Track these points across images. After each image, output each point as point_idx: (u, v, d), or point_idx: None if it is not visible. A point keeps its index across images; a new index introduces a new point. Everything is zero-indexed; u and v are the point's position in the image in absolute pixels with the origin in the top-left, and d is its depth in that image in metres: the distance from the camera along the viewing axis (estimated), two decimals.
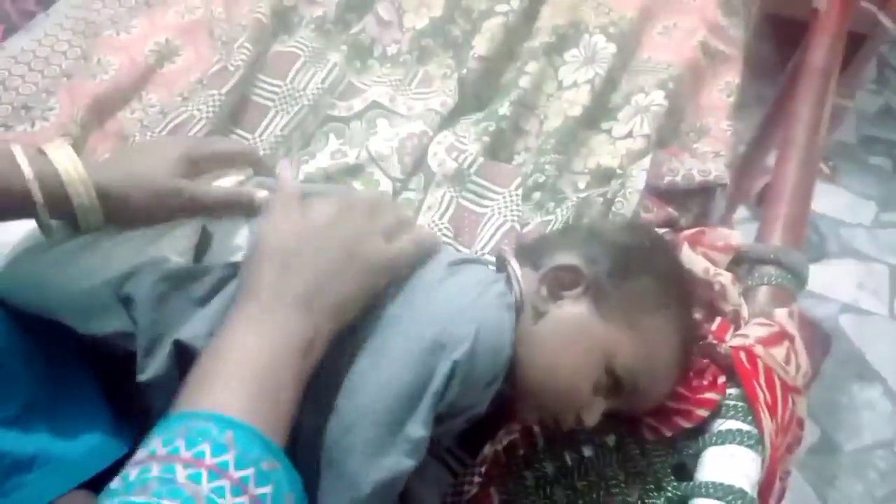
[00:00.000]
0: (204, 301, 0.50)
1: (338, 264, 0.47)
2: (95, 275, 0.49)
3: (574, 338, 0.51)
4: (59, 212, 0.48)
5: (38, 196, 0.46)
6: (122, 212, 0.50)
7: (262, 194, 0.54)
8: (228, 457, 0.36)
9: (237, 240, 0.53)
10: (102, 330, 0.50)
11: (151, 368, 0.48)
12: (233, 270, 0.51)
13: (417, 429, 0.45)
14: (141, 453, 0.37)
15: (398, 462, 0.45)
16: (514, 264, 0.55)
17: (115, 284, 0.49)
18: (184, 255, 0.51)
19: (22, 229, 0.51)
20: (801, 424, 0.55)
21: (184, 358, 0.47)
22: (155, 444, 0.37)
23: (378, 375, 0.46)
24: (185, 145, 0.53)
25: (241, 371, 0.41)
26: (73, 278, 0.50)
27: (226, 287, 0.50)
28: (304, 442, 0.46)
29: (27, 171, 0.46)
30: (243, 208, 0.53)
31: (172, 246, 0.51)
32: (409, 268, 0.51)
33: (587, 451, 0.55)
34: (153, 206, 0.50)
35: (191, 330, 0.48)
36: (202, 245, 0.52)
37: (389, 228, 0.51)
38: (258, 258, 0.47)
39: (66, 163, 0.47)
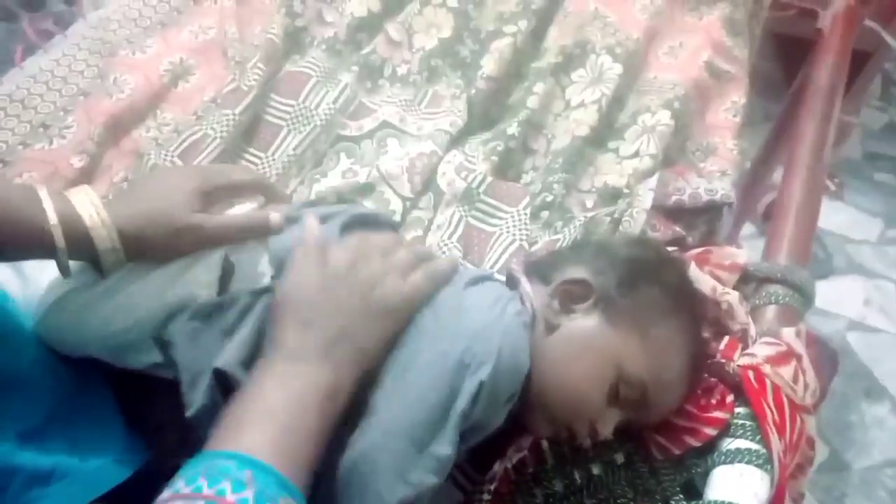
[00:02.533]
0: (233, 331, 0.51)
1: (356, 312, 0.48)
2: (127, 316, 0.51)
3: (587, 349, 0.52)
4: (83, 254, 0.49)
5: (60, 241, 0.47)
6: (143, 251, 0.51)
7: (276, 216, 0.55)
8: (248, 494, 0.38)
9: (260, 266, 0.54)
10: (138, 365, 0.52)
11: (196, 402, 0.49)
12: (256, 297, 0.52)
13: (444, 447, 0.46)
14: (165, 493, 0.39)
15: (423, 478, 0.45)
16: (525, 281, 0.56)
17: (149, 327, 0.51)
18: (209, 288, 0.52)
19: (53, 273, 0.52)
20: (811, 444, 0.55)
21: (224, 386, 0.48)
22: (179, 483, 0.39)
23: (404, 395, 0.47)
24: (198, 178, 0.54)
25: (264, 418, 0.43)
26: (105, 321, 0.51)
27: (250, 313, 0.51)
28: (328, 461, 0.46)
29: (52, 216, 0.47)
30: (260, 232, 0.54)
31: (197, 281, 0.52)
32: (428, 299, 0.52)
33: (596, 469, 0.55)
34: (173, 243, 0.51)
35: (226, 357, 0.49)
36: (225, 275, 0.53)
37: (404, 266, 0.52)
38: (281, 313, 0.48)
39: (90, 208, 0.49)
